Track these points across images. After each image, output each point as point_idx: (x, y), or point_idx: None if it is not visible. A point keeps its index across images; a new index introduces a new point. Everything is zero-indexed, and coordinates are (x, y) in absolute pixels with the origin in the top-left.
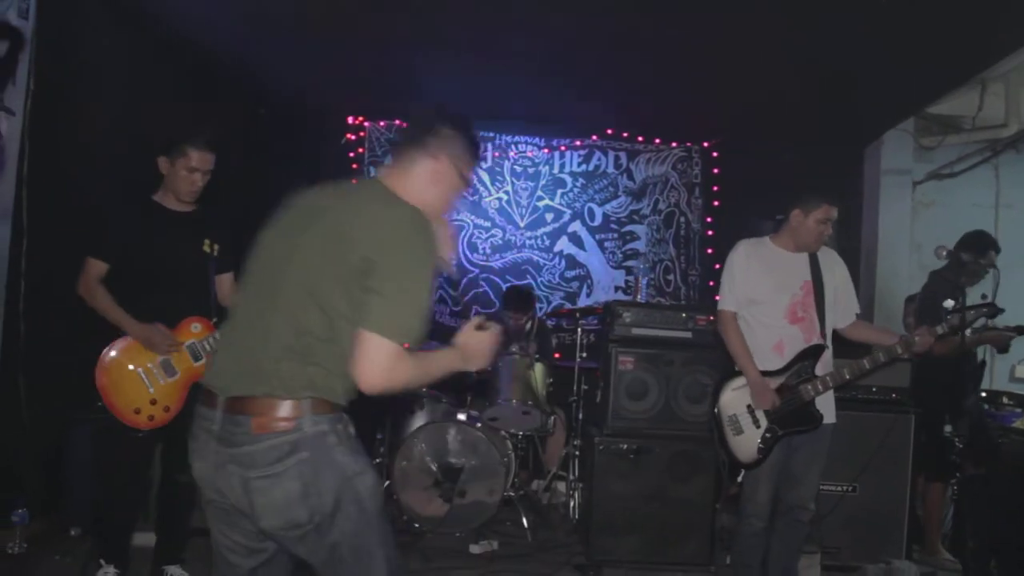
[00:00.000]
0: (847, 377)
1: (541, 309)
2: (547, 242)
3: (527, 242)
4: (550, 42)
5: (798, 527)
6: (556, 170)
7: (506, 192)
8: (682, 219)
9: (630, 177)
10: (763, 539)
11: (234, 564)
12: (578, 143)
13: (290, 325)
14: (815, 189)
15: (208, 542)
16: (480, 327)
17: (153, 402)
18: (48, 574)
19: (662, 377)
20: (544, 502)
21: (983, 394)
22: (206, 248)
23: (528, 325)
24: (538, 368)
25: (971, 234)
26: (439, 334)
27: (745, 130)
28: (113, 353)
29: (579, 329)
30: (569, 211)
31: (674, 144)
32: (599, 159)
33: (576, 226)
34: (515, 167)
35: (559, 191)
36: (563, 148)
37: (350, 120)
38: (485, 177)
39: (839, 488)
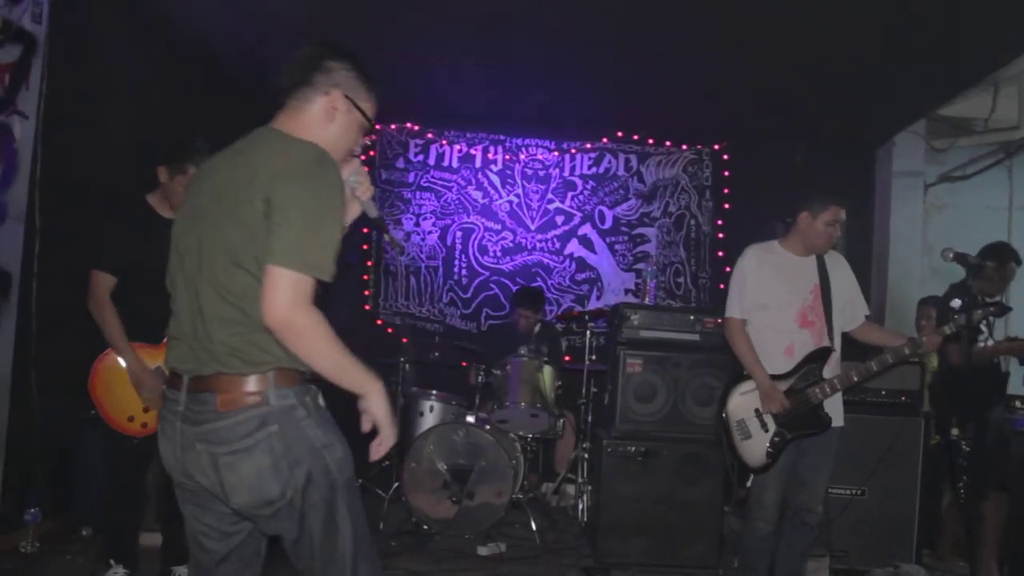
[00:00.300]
0: (855, 379)
1: (551, 312)
2: (557, 245)
3: (537, 245)
4: (560, 45)
5: (805, 531)
6: (566, 173)
7: (516, 195)
8: (692, 222)
9: (640, 180)
10: (771, 543)
11: (208, 548)
12: (588, 146)
13: (218, 295)
14: (823, 191)
15: None
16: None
17: (147, 410)
18: (60, 573)
19: (670, 380)
20: (553, 505)
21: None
22: None
23: (537, 327)
24: (547, 371)
25: (992, 245)
26: (451, 336)
27: (756, 132)
28: (106, 362)
29: (588, 332)
30: (579, 214)
31: (684, 147)
32: (609, 162)
33: (586, 229)
34: (526, 170)
35: (569, 194)
36: (573, 151)
37: None
38: (496, 180)
39: (848, 491)
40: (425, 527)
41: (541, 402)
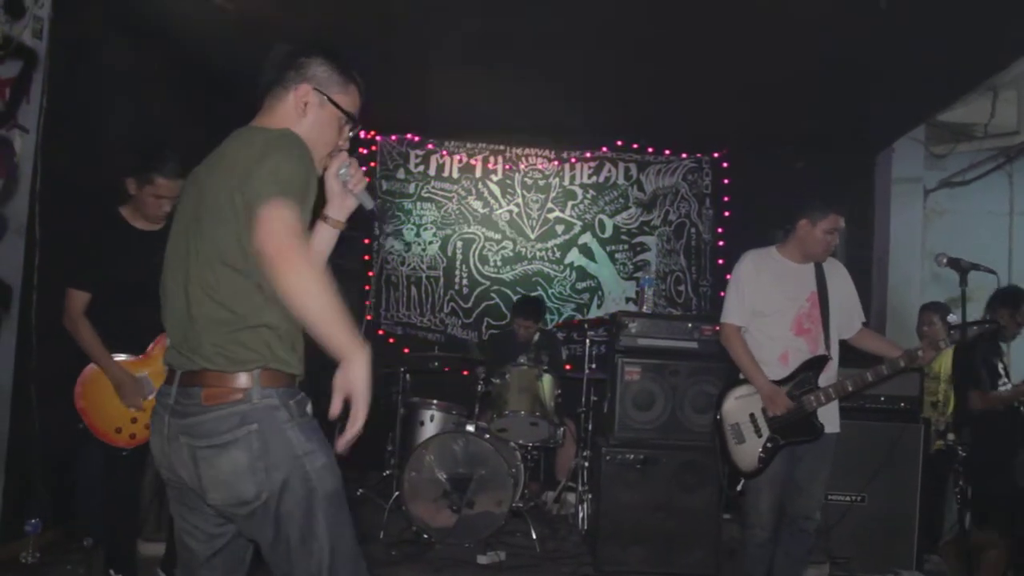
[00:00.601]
0: (849, 389)
1: (551, 321)
2: (558, 254)
3: (538, 254)
4: (559, 54)
5: (803, 537)
6: (566, 182)
7: (516, 204)
8: (693, 230)
9: (640, 188)
10: (768, 549)
11: (192, 549)
12: (588, 155)
13: (207, 296)
14: (822, 198)
15: None
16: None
17: (134, 420)
18: None
19: (668, 387)
20: (554, 513)
21: None
22: None
23: (536, 336)
24: (546, 379)
25: (1002, 292)
26: (451, 346)
27: (755, 140)
28: (89, 375)
29: (587, 340)
30: (580, 223)
31: (684, 155)
32: (609, 171)
33: (587, 238)
34: (525, 179)
35: (569, 203)
36: (573, 160)
37: (361, 134)
38: (496, 190)
39: (848, 498)
40: (425, 536)
41: (540, 411)
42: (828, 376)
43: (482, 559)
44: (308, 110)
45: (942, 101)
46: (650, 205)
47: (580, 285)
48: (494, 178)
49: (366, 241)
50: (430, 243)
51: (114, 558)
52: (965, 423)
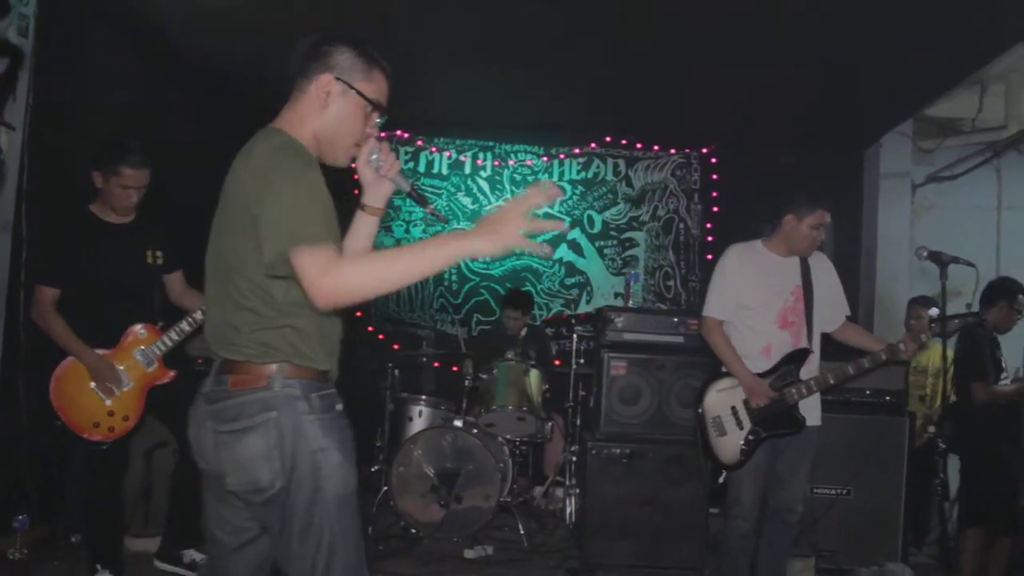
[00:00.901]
0: (831, 382)
1: (540, 316)
2: (546, 249)
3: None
4: (549, 51)
5: (786, 530)
6: (555, 178)
7: (505, 200)
8: (681, 225)
9: (629, 184)
10: (751, 541)
11: (219, 540)
12: (577, 151)
13: (235, 303)
14: (809, 194)
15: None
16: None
17: (111, 413)
18: None
19: (654, 382)
20: (543, 508)
21: None
22: (149, 259)
23: (524, 330)
24: (533, 374)
25: (999, 284)
26: (441, 343)
27: (743, 135)
28: (63, 372)
29: (575, 335)
30: (568, 218)
31: (672, 151)
32: (598, 166)
33: (575, 233)
34: (514, 175)
35: (558, 199)
36: (562, 156)
37: None
38: (485, 186)
39: (833, 491)
40: (413, 531)
41: (528, 405)
42: (809, 369)
43: (469, 553)
44: (331, 100)
45: (929, 96)
46: (639, 201)
47: (569, 281)
48: (483, 174)
49: None
50: (419, 239)
51: (100, 554)
52: (962, 416)
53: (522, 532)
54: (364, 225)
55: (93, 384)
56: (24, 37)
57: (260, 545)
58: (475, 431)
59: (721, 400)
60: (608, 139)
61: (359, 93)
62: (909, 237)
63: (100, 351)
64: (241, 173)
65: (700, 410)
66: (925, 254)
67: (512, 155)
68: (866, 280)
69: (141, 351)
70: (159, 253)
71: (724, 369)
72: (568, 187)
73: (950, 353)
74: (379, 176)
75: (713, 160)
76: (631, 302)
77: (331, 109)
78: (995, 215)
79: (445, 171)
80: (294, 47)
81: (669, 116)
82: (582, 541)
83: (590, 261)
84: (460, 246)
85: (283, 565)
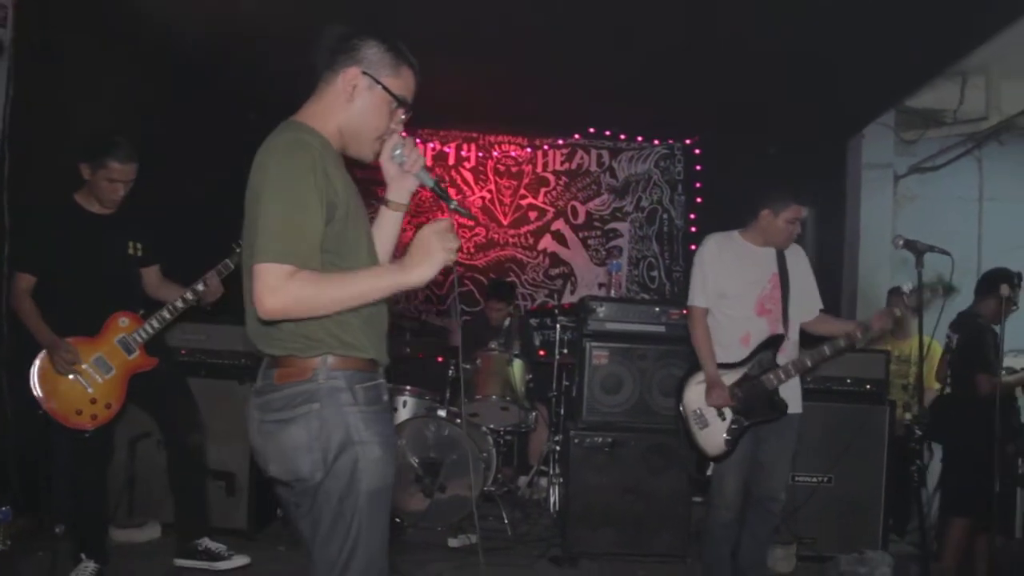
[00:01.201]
0: (808, 365)
1: (524, 307)
2: (530, 240)
3: (510, 240)
4: (532, 42)
5: (769, 518)
6: (539, 169)
7: (489, 191)
8: (665, 216)
9: (613, 175)
10: (733, 530)
11: (301, 528)
12: (560, 142)
13: None
14: (785, 189)
15: None
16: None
17: (93, 401)
18: (31, 571)
19: (636, 371)
20: (527, 498)
21: None
22: (131, 251)
23: (507, 321)
24: (516, 364)
25: (998, 273)
26: (426, 333)
27: (727, 127)
28: (43, 360)
29: (558, 325)
30: (552, 209)
31: (656, 142)
32: (582, 157)
33: (559, 224)
34: (498, 166)
35: (542, 189)
36: (546, 147)
37: None
38: (468, 176)
39: (814, 479)
40: (397, 520)
41: (511, 395)
42: (786, 356)
43: (453, 542)
44: (356, 94)
45: (910, 87)
46: (622, 192)
47: (553, 271)
48: (467, 165)
49: None
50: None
51: (85, 543)
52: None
53: (506, 521)
54: (388, 221)
55: (67, 372)
56: (3, 27)
57: None
58: (459, 421)
59: (700, 393)
60: (592, 130)
61: (385, 88)
62: (891, 228)
63: (83, 339)
64: (254, 168)
65: (680, 406)
66: (901, 242)
67: (496, 146)
68: (848, 270)
69: (122, 339)
70: (139, 245)
71: None
72: (552, 178)
73: (927, 339)
74: (403, 172)
75: (696, 151)
76: (613, 292)
77: (356, 103)
78: (976, 206)
79: (429, 162)
80: (319, 37)
81: (652, 107)
82: (565, 529)
83: (574, 252)
84: (398, 281)
85: (308, 545)
